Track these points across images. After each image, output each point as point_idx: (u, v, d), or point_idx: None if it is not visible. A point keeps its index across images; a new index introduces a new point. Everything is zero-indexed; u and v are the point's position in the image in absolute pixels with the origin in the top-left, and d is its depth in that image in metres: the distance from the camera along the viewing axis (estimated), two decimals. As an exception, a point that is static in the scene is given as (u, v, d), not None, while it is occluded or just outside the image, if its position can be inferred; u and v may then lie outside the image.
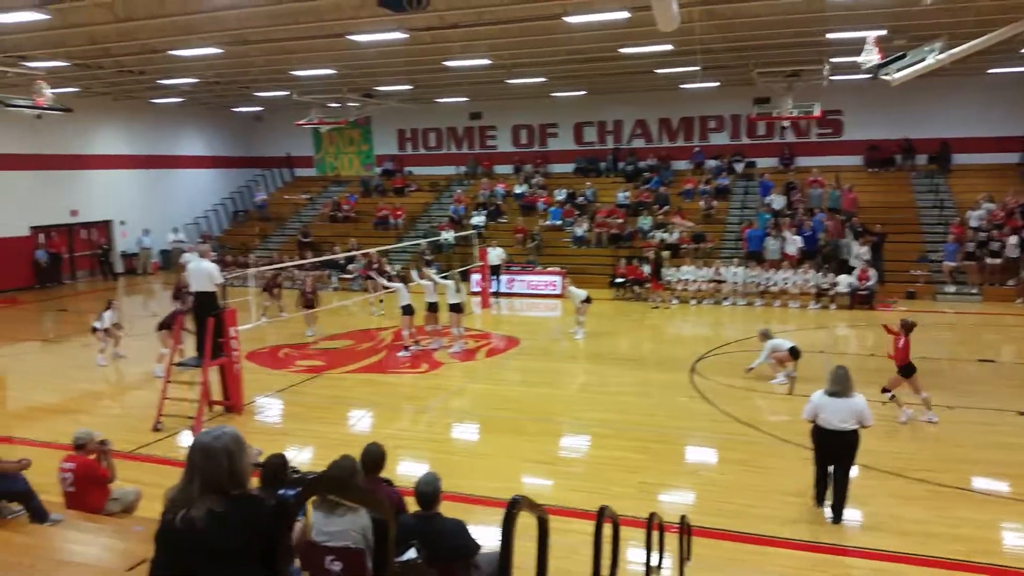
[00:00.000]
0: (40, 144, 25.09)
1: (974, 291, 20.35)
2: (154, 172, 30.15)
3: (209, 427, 2.76)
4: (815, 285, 20.12)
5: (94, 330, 15.19)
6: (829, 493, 7.73)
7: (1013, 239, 20.34)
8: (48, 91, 17.28)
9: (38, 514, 5.81)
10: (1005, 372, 13.86)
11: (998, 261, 20.42)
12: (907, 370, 10.49)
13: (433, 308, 15.90)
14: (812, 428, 7.77)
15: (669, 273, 21.34)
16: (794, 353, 12.48)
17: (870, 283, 19.67)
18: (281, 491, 2.59)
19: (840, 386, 7.54)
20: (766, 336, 12.82)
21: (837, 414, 7.48)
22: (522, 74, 22.05)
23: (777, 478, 8.80)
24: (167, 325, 13.56)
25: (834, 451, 7.59)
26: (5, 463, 5.97)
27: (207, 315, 11.20)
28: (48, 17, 13.50)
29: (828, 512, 7.68)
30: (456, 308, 15.49)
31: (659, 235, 23.64)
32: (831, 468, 7.70)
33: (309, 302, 17.24)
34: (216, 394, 11.74)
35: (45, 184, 25.77)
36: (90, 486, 6.37)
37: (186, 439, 10.50)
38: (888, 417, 10.72)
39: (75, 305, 22.82)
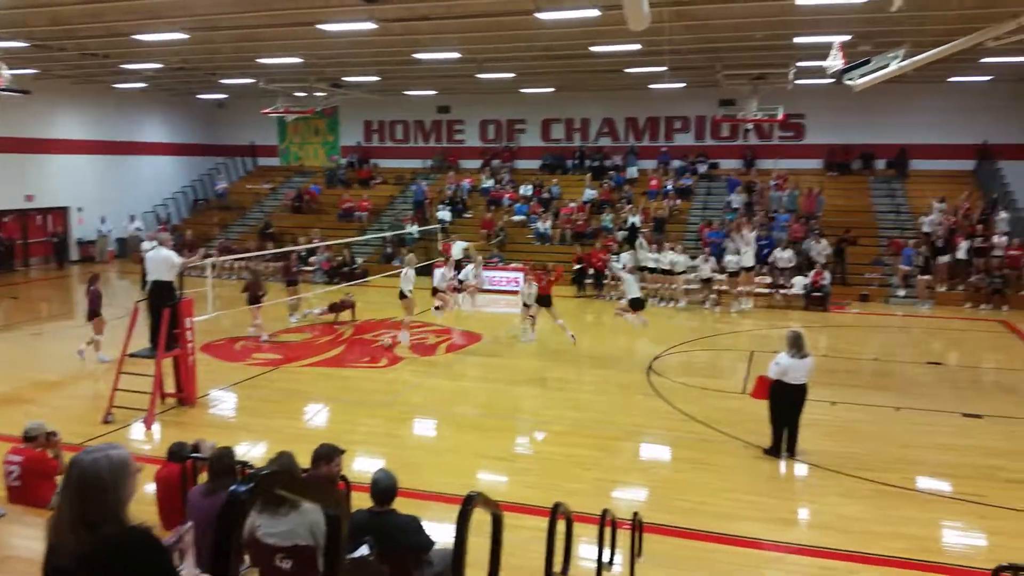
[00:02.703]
0: (-5, 126, 24.47)
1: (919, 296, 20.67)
2: (114, 158, 29.52)
3: (101, 443, 2.49)
4: (770, 286, 20.40)
5: None
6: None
7: (964, 244, 20.83)
8: (6, 72, 16.84)
9: (-19, 507, 5.69)
10: (951, 375, 14.19)
11: (946, 259, 20.78)
12: (546, 301, 15.32)
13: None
14: (774, 385, 9.22)
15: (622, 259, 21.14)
16: (636, 305, 15.00)
17: (824, 285, 20.00)
18: (232, 487, 2.55)
19: (801, 349, 9.12)
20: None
21: (800, 371, 9.13)
22: (492, 69, 22.04)
23: (728, 476, 8.97)
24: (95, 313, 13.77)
25: (792, 403, 9.25)
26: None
27: (163, 305, 11.02)
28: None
29: (785, 456, 9.38)
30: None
31: (629, 219, 23.77)
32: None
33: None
34: (169, 386, 11.57)
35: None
36: (37, 479, 6.25)
37: (138, 432, 10.37)
38: (839, 418, 10.98)
39: (27, 293, 22.31)
